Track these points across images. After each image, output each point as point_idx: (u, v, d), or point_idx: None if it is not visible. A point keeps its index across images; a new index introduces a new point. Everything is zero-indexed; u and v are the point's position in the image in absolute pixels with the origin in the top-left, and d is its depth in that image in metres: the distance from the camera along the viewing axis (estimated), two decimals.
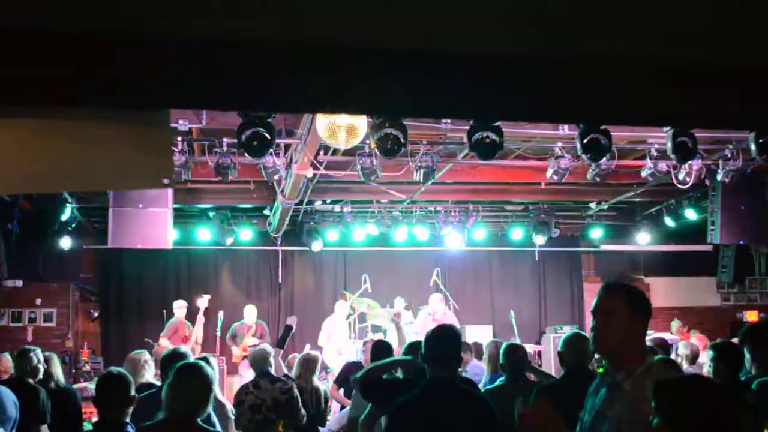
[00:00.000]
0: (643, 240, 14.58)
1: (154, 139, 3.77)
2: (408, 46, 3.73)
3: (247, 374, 12.10)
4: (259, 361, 7.07)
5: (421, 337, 4.36)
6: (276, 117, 7.31)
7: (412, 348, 5.15)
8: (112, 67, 3.60)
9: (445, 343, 4.15)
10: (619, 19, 3.53)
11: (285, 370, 8.08)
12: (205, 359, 5.18)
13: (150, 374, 6.47)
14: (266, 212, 13.18)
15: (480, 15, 3.48)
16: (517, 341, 12.55)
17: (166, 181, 3.78)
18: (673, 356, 8.15)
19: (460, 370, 5.12)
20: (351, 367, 8.63)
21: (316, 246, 13.84)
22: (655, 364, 3.17)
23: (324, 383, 9.00)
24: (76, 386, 9.22)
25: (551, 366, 12.46)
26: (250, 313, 12.80)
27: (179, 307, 12.57)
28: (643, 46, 3.83)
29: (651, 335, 10.00)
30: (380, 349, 6.53)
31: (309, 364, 7.74)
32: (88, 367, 13.08)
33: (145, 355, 6.58)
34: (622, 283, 3.43)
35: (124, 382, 4.51)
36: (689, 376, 2.96)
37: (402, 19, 3.52)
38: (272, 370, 7.10)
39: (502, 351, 5.73)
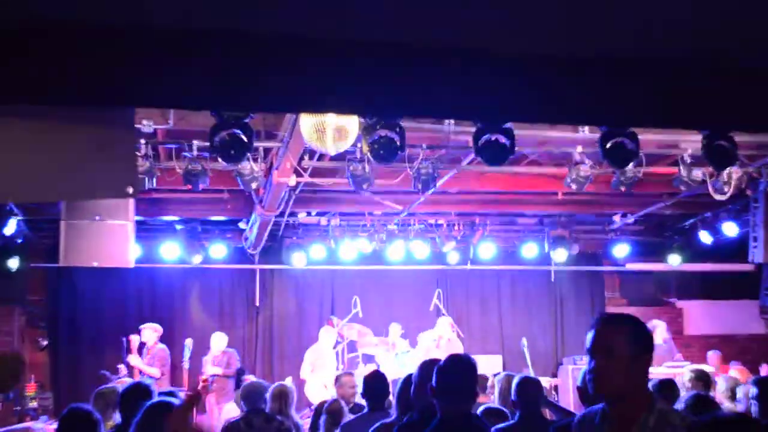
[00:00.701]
0: (674, 259, 14.61)
1: (115, 142, 3.76)
2: (404, 39, 3.75)
3: (217, 410, 12.09)
4: (251, 395, 7.07)
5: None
6: (254, 117, 7.31)
7: (407, 382, 5.14)
8: (65, 58, 3.60)
9: (460, 373, 4.16)
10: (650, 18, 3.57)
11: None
12: (172, 395, 5.16)
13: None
14: (242, 225, 13.17)
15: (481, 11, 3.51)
16: (531, 374, 12.62)
17: (129, 189, 3.77)
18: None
19: None
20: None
21: (300, 264, 13.83)
22: (666, 409, 3.14)
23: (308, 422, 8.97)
24: (19, 426, 9.17)
25: (569, 402, 12.46)
26: (217, 341, 12.81)
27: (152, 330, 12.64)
28: (679, 44, 3.86)
29: (686, 366, 10.03)
30: (375, 383, 6.51)
31: (284, 397, 7.70)
32: (35, 404, 13.01)
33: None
34: (621, 315, 3.37)
35: (92, 423, 4.46)
36: (732, 417, 2.93)
37: (400, 7, 3.54)
38: (267, 408, 7.12)
39: (514, 385, 5.74)
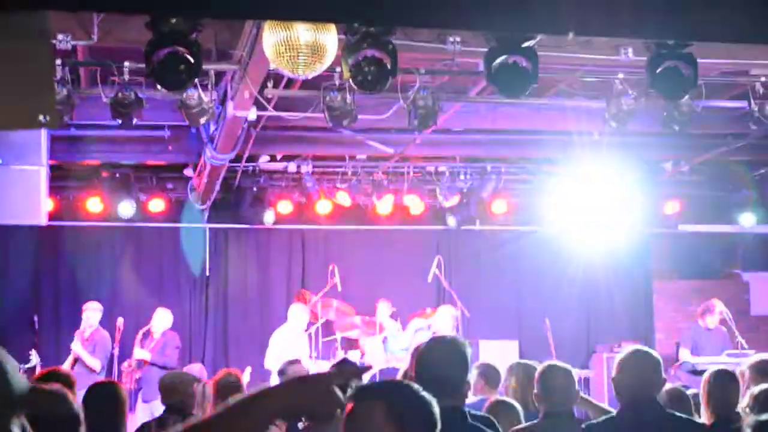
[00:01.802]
0: (743, 219, 14.65)
1: (27, 58, 3.73)
2: None
3: (145, 410, 12.14)
4: (168, 389, 7.09)
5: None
6: (203, 30, 7.27)
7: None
8: None
9: (446, 360, 4.18)
10: None
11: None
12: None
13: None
14: (187, 172, 13.14)
15: None
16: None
17: (43, 118, 3.74)
18: None
19: None
20: None
21: (263, 222, 13.82)
22: None
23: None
24: None
25: (604, 397, 12.57)
26: (158, 320, 12.82)
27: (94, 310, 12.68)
28: None
29: (751, 357, 10.11)
30: None
31: (229, 391, 7.70)
32: None
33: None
34: (383, 384, 3.33)
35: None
36: None
37: None
38: (196, 403, 7.13)
39: (538, 374, 5.76)
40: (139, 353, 12.58)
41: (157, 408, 11.37)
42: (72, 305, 13.66)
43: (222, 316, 14.80)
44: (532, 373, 7.29)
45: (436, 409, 3.01)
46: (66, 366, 11.76)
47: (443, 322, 12.66)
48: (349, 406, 2.87)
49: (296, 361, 9.17)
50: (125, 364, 12.58)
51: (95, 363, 12.33)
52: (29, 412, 2.35)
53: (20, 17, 3.73)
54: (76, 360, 12.35)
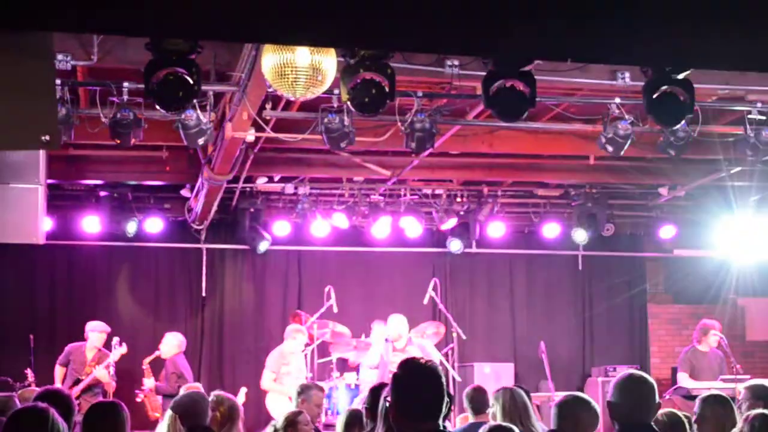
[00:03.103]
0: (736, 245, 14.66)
1: (29, 78, 3.72)
2: None
3: None
4: (189, 412, 7.06)
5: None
6: (202, 51, 7.28)
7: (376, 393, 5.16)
8: None
9: (423, 384, 4.18)
10: None
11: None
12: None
13: None
14: (185, 193, 13.14)
15: None
16: (551, 386, 12.69)
17: (45, 138, 3.73)
18: None
19: None
20: None
21: (259, 244, 13.81)
22: None
23: None
24: None
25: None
26: (168, 344, 12.79)
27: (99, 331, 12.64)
28: None
29: (747, 382, 10.10)
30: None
31: (232, 413, 7.72)
32: None
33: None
34: None
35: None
36: None
37: None
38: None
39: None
40: (147, 383, 12.58)
41: None
42: (68, 324, 13.63)
43: (218, 336, 14.76)
44: (517, 398, 7.31)
45: None
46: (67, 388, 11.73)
47: (397, 327, 12.56)
48: None
49: (319, 387, 9.19)
50: (141, 396, 12.55)
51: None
52: None
53: (23, 37, 3.73)
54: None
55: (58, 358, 12.72)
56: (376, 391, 5.78)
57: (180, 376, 12.66)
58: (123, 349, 12.45)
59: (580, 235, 14.12)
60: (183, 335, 13.43)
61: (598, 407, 5.88)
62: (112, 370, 12.34)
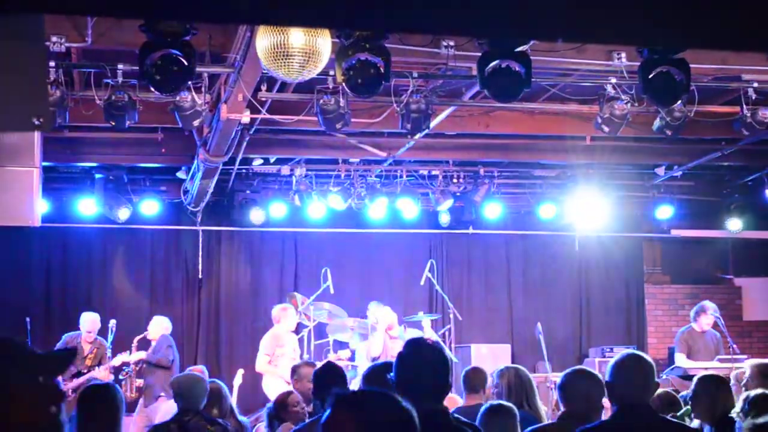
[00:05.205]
0: (733, 224, 14.67)
1: (20, 60, 3.71)
2: None
3: (147, 414, 12.14)
4: (186, 391, 7.08)
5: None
6: (197, 33, 7.28)
7: (374, 375, 5.13)
8: None
9: (429, 363, 4.17)
10: None
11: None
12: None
13: None
14: (180, 175, 13.13)
15: None
16: (547, 367, 12.73)
17: (37, 120, 3.73)
18: None
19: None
20: None
21: (255, 225, 13.82)
22: None
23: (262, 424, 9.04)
24: None
25: None
26: (155, 326, 12.80)
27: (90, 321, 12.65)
28: None
29: (744, 361, 10.11)
30: (328, 377, 6.52)
31: (215, 397, 7.73)
32: None
33: None
34: (360, 394, 3.32)
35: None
36: None
37: None
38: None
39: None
40: (135, 355, 12.59)
41: (155, 412, 11.40)
42: (64, 307, 13.66)
43: (214, 318, 14.79)
44: (523, 376, 7.34)
45: (415, 420, 2.96)
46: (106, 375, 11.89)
47: (384, 315, 12.62)
48: (327, 414, 2.87)
49: (310, 363, 9.22)
50: (124, 372, 12.57)
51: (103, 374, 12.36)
52: None
53: (13, 19, 3.72)
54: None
55: (54, 347, 12.72)
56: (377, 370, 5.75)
57: (170, 346, 12.73)
58: (126, 356, 12.49)
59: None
60: (180, 317, 13.46)
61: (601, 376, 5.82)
62: (111, 370, 12.42)
